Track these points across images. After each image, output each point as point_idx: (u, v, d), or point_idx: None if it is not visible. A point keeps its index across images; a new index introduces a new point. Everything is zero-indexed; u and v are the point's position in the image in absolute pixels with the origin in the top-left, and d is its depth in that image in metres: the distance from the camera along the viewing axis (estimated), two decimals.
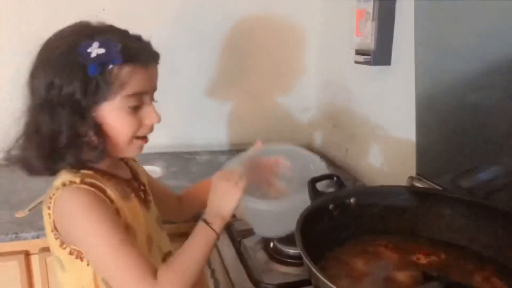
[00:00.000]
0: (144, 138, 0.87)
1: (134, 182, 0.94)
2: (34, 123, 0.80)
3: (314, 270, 0.67)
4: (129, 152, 0.87)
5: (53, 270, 1.20)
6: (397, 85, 1.35)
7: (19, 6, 1.61)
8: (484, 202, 0.90)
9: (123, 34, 0.82)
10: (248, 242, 1.10)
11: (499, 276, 0.80)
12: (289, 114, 2.01)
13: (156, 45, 0.86)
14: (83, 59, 0.76)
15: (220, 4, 1.78)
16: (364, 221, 0.93)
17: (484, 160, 0.98)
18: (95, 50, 0.76)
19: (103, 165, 0.86)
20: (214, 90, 1.89)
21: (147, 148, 0.91)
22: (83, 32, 0.79)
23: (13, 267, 1.22)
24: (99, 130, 0.80)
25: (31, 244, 1.21)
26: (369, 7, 1.32)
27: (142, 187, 0.96)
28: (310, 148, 2.02)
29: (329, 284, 0.65)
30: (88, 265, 0.80)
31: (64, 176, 0.80)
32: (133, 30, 0.85)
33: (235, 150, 1.94)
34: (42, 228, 1.16)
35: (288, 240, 1.03)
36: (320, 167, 0.99)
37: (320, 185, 0.93)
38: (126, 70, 0.78)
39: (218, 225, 0.86)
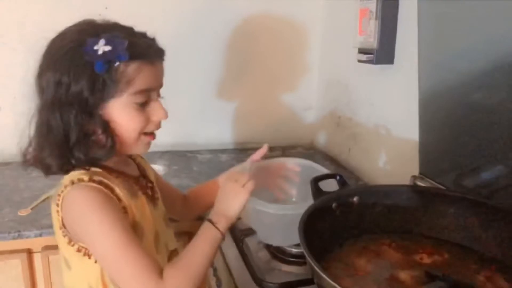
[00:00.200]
0: (152, 135, 0.87)
1: (142, 180, 0.94)
2: (45, 123, 0.80)
3: (317, 269, 0.67)
4: (137, 149, 0.87)
5: (55, 268, 1.23)
6: (400, 84, 1.35)
7: (21, 6, 1.61)
8: (488, 201, 0.90)
9: (128, 31, 0.82)
10: (251, 241, 1.09)
11: (503, 276, 0.80)
12: (292, 113, 2.00)
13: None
14: (89, 56, 0.76)
15: (222, 3, 1.78)
16: (367, 220, 0.93)
17: (487, 159, 0.97)
18: (102, 47, 0.76)
19: (111, 162, 0.86)
20: (215, 89, 1.89)
21: None
22: (89, 30, 0.79)
23: (16, 265, 1.22)
24: (107, 127, 0.80)
25: (34, 243, 1.21)
26: (372, 5, 1.32)
27: (149, 184, 0.96)
28: (313, 147, 2.02)
29: (332, 283, 0.64)
30: (95, 262, 0.80)
31: (73, 174, 0.80)
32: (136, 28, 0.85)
33: (237, 149, 1.95)
34: (44, 227, 1.18)
35: None
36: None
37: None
38: (132, 67, 0.78)
39: (223, 225, 0.86)
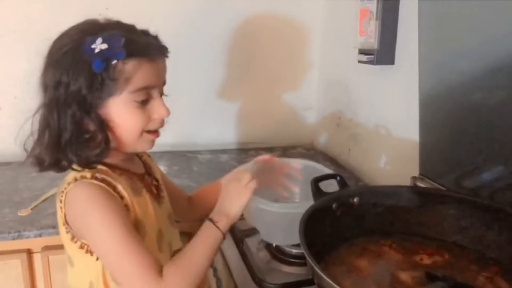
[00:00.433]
0: (155, 133, 0.87)
1: (147, 177, 0.94)
2: (43, 121, 0.80)
3: (317, 269, 0.67)
4: (140, 146, 0.87)
5: (55, 269, 1.23)
6: (400, 85, 1.35)
7: (22, 6, 1.61)
8: (488, 202, 0.90)
9: (128, 29, 0.82)
10: (251, 242, 1.10)
11: (503, 276, 0.80)
12: (292, 113, 2.00)
13: None
14: (87, 55, 0.76)
15: (222, 3, 1.78)
16: (367, 221, 0.93)
17: (488, 160, 0.97)
18: (99, 46, 0.76)
19: (115, 159, 0.86)
20: (216, 89, 1.89)
21: None
22: (89, 30, 0.79)
23: (16, 265, 1.22)
24: (104, 126, 0.80)
25: (34, 243, 1.21)
26: (373, 6, 1.32)
27: (155, 182, 0.96)
28: (313, 147, 2.02)
29: (333, 284, 0.64)
30: (97, 259, 0.80)
31: (76, 171, 0.81)
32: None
33: (237, 149, 1.95)
34: (44, 227, 1.18)
35: None
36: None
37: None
38: (130, 64, 0.78)
39: (224, 224, 0.86)
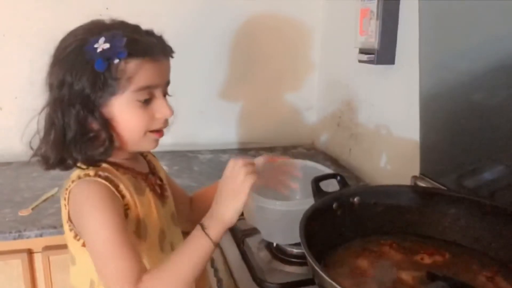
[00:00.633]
0: (159, 132, 0.87)
1: (151, 177, 0.94)
2: (48, 120, 0.81)
3: (318, 269, 0.67)
4: (144, 146, 0.88)
5: (56, 269, 1.23)
6: (401, 85, 1.35)
7: (23, 6, 1.62)
8: (488, 201, 0.90)
9: (132, 29, 0.82)
10: (252, 241, 1.09)
11: (503, 276, 0.80)
12: (293, 113, 2.00)
13: None
14: (90, 55, 0.77)
15: (223, 3, 1.78)
16: (367, 221, 0.93)
17: (489, 159, 0.97)
18: (101, 45, 0.77)
19: (120, 158, 0.87)
20: (216, 90, 1.89)
21: None
22: (93, 30, 0.80)
23: (16, 265, 1.22)
24: (108, 125, 0.81)
25: (34, 243, 1.21)
26: (373, 6, 1.32)
27: (159, 182, 0.96)
28: (314, 147, 2.02)
29: (333, 283, 0.64)
30: None
31: (80, 170, 0.82)
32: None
33: (237, 149, 1.95)
34: (45, 227, 1.18)
35: None
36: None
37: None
38: (132, 64, 0.78)
39: (216, 231, 0.79)
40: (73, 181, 0.81)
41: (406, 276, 0.80)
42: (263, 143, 1.97)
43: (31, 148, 0.84)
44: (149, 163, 0.98)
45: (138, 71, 0.79)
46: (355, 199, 0.92)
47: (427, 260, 0.86)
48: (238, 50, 1.86)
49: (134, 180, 0.87)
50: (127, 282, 0.74)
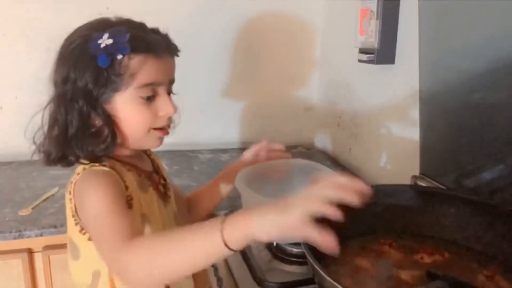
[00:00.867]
0: (163, 130, 0.87)
1: (155, 176, 0.94)
2: (52, 116, 0.81)
3: (318, 268, 0.67)
4: (147, 143, 0.88)
5: (56, 268, 1.23)
6: (401, 84, 1.35)
7: (23, 6, 1.62)
8: (488, 201, 0.90)
9: (137, 26, 0.83)
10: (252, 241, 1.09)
11: (503, 275, 0.80)
12: (293, 113, 2.01)
13: None
14: (93, 50, 0.77)
15: (222, 3, 1.78)
16: (367, 220, 0.93)
17: (488, 159, 0.97)
18: (105, 41, 0.77)
19: (124, 156, 0.87)
20: (217, 89, 1.89)
21: None
22: (98, 26, 0.80)
23: (17, 265, 1.22)
24: (110, 121, 0.81)
25: (35, 242, 1.21)
26: (373, 5, 1.32)
27: (162, 181, 0.96)
28: (314, 147, 2.02)
29: (333, 283, 0.64)
30: None
31: (86, 163, 0.82)
32: None
33: (238, 148, 1.95)
34: (45, 226, 1.18)
35: None
36: None
37: None
38: (136, 60, 0.78)
39: (234, 234, 0.60)
40: (78, 174, 0.81)
41: (406, 275, 0.80)
42: None
43: (35, 143, 0.83)
44: (152, 161, 0.98)
45: (141, 68, 0.79)
46: None
47: (427, 259, 0.86)
48: (238, 50, 1.86)
49: (138, 178, 0.87)
50: (117, 240, 0.69)
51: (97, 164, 0.80)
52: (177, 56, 0.87)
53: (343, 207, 0.62)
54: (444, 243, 0.91)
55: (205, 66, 1.83)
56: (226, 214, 0.62)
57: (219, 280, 1.08)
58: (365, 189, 0.64)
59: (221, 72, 1.87)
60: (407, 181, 1.17)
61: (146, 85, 0.81)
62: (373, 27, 1.33)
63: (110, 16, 0.83)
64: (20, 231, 1.17)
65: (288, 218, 0.58)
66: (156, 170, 0.97)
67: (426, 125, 1.14)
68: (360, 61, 1.42)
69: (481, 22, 0.94)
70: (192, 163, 1.73)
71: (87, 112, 0.79)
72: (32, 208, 1.27)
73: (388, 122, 1.44)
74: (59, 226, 1.18)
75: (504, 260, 0.83)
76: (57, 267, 1.23)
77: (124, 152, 0.87)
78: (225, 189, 1.11)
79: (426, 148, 1.15)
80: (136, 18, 0.85)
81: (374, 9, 1.32)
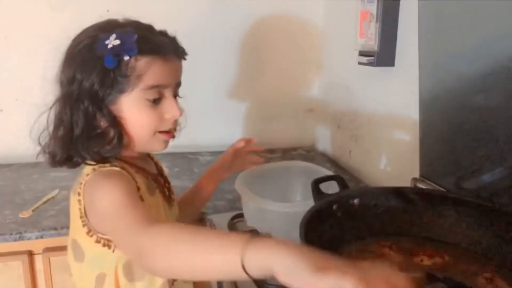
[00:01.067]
0: (168, 133, 0.87)
1: (160, 178, 0.94)
2: (58, 116, 0.81)
3: None
4: (153, 146, 0.87)
5: (57, 270, 1.23)
6: (400, 86, 1.35)
7: (23, 8, 1.62)
8: (488, 203, 0.90)
9: (144, 27, 0.82)
10: None
11: (503, 277, 0.80)
12: (293, 115, 2.01)
13: None
14: (100, 51, 0.76)
15: (223, 6, 1.78)
16: (367, 222, 0.93)
17: (488, 161, 0.97)
18: (112, 42, 0.76)
19: (131, 157, 0.86)
20: (217, 91, 1.89)
21: None
22: (106, 27, 0.80)
23: (17, 267, 1.22)
24: (116, 123, 0.80)
25: (35, 244, 1.21)
26: (373, 8, 1.32)
27: (167, 184, 0.96)
28: (313, 149, 2.02)
29: None
30: (113, 251, 0.79)
31: (92, 166, 0.81)
32: None
33: None
34: (45, 228, 1.18)
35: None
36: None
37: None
38: (143, 61, 0.78)
39: (255, 260, 0.53)
40: (87, 175, 0.79)
41: None
42: (263, 145, 1.96)
43: (40, 144, 0.83)
44: (156, 164, 0.98)
45: (148, 69, 0.79)
46: (355, 201, 0.92)
47: (427, 261, 0.86)
48: (238, 53, 1.86)
49: (146, 180, 0.87)
50: (141, 224, 0.66)
51: (107, 165, 0.80)
52: (185, 59, 0.87)
53: None
54: (443, 245, 0.91)
55: (205, 69, 1.83)
56: (249, 235, 0.57)
57: (219, 281, 1.08)
58: None
59: (221, 74, 1.87)
60: (407, 183, 1.17)
61: (153, 87, 0.80)
62: (373, 29, 1.33)
63: (118, 18, 0.83)
64: (20, 233, 1.17)
65: (313, 279, 0.50)
66: (161, 172, 0.97)
67: (426, 127, 1.14)
68: (360, 63, 1.42)
69: (480, 24, 0.94)
70: (192, 165, 1.73)
71: (92, 113, 0.78)
72: (33, 210, 1.27)
73: (388, 124, 1.44)
74: (60, 228, 1.18)
75: (503, 262, 0.84)
76: (58, 269, 1.23)
77: (130, 154, 0.86)
78: (207, 192, 1.17)
79: (426, 150, 1.15)
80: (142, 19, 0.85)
81: (374, 12, 1.32)
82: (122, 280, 0.82)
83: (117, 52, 0.76)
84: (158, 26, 0.86)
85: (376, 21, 1.31)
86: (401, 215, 0.95)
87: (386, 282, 0.51)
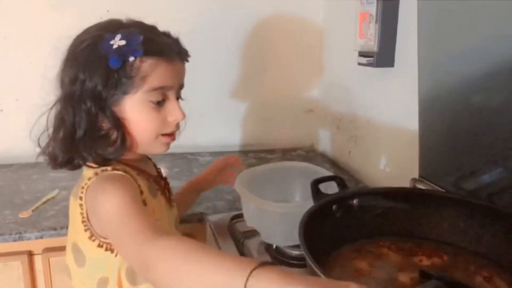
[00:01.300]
0: (171, 136, 0.86)
1: (160, 180, 0.94)
2: (59, 117, 0.80)
3: (317, 270, 0.67)
4: (154, 149, 0.87)
5: (56, 271, 1.23)
6: (400, 87, 1.36)
7: (23, 9, 1.62)
8: (487, 204, 0.90)
9: (148, 28, 0.82)
10: (251, 243, 1.10)
11: (501, 277, 0.80)
12: (292, 116, 2.01)
13: None
14: (105, 51, 0.76)
15: (223, 7, 1.79)
16: (367, 223, 0.93)
17: (487, 162, 0.98)
18: (117, 42, 0.76)
19: (132, 159, 0.86)
20: (216, 92, 1.89)
21: None
22: (109, 27, 0.79)
23: (17, 267, 1.22)
24: (119, 124, 0.80)
25: (35, 244, 1.21)
26: (373, 9, 1.32)
27: (167, 186, 0.96)
28: (313, 150, 2.02)
29: None
30: (116, 255, 0.79)
31: (93, 168, 0.80)
32: None
33: (237, 151, 1.95)
34: (45, 229, 1.18)
35: None
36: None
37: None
38: (147, 63, 0.78)
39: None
40: (89, 178, 0.78)
41: (404, 277, 0.80)
42: (262, 146, 1.97)
43: (39, 145, 0.82)
44: (155, 166, 0.98)
45: (152, 71, 0.78)
46: (355, 201, 0.92)
47: (426, 261, 0.86)
48: (238, 54, 1.86)
49: (147, 182, 0.86)
50: (149, 234, 0.65)
51: (109, 168, 0.79)
52: (187, 61, 0.87)
53: None
54: (442, 245, 0.91)
55: (205, 69, 1.83)
56: (262, 262, 0.56)
57: None
58: None
59: (221, 74, 1.87)
60: (407, 183, 1.18)
61: (157, 88, 0.80)
62: (373, 30, 1.33)
63: (120, 18, 0.82)
64: (20, 233, 1.17)
65: None
66: (160, 174, 0.97)
67: (426, 128, 1.14)
68: (359, 64, 1.42)
69: (480, 25, 0.94)
70: (192, 166, 1.73)
71: (95, 114, 0.77)
72: (32, 211, 1.28)
73: (388, 125, 1.45)
74: (59, 228, 1.18)
75: (502, 262, 0.84)
76: (57, 269, 1.23)
77: (131, 156, 0.86)
78: (194, 197, 1.22)
79: (425, 151, 1.16)
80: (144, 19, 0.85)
81: (374, 13, 1.32)
82: (125, 283, 0.82)
83: (122, 52, 0.75)
84: (158, 27, 0.87)
85: (376, 22, 1.32)
86: (400, 215, 0.95)
87: None
